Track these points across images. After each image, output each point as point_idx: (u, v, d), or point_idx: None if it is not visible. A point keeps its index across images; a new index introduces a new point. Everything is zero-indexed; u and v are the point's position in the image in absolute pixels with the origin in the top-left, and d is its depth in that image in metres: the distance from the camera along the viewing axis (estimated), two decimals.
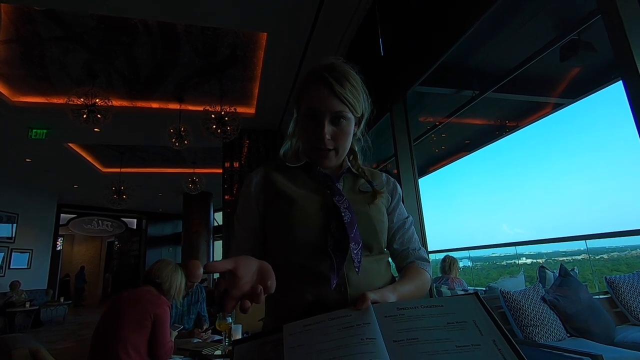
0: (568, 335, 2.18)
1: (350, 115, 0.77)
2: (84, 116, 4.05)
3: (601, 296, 2.60)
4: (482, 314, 0.58)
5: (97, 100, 4.10)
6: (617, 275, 2.60)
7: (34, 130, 5.51)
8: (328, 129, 0.75)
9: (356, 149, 0.88)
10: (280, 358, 0.56)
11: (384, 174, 0.90)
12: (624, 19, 1.43)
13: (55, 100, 4.88)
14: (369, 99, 0.84)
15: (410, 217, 0.89)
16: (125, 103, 5.09)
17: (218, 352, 2.05)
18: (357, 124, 0.83)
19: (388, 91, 2.81)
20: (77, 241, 15.18)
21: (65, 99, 4.16)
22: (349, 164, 0.85)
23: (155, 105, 5.24)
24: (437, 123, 4.56)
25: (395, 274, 0.85)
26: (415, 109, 4.03)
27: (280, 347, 0.57)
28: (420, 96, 3.67)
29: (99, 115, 4.12)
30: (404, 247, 0.85)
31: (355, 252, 0.69)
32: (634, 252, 5.72)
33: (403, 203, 0.90)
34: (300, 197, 0.75)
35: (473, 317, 0.58)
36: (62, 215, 11.16)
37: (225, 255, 6.23)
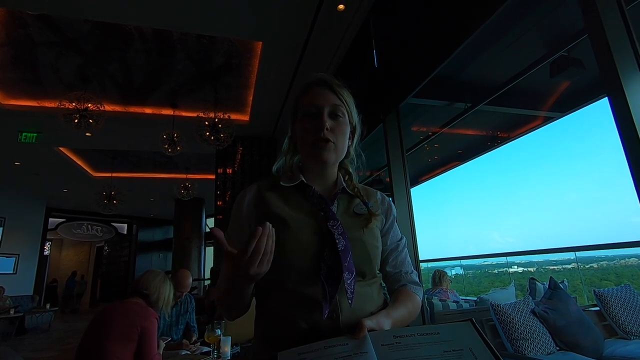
0: (557, 348, 2.19)
1: (346, 115, 0.81)
2: (76, 121, 4.01)
3: (590, 309, 2.62)
4: (478, 341, 0.59)
5: (90, 105, 4.07)
6: (606, 289, 2.62)
7: (24, 134, 5.44)
8: (327, 120, 0.77)
9: (350, 170, 0.89)
10: None
11: (378, 193, 0.90)
12: (609, 40, 1.47)
13: (46, 104, 4.83)
14: (359, 116, 0.85)
15: (404, 238, 0.89)
16: (118, 108, 5.06)
17: None
18: (351, 136, 0.84)
19: (381, 102, 2.83)
20: (65, 246, 14.91)
21: (57, 103, 4.12)
22: (344, 184, 0.84)
23: (148, 110, 5.22)
24: (430, 133, 4.60)
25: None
26: (408, 119, 4.06)
27: None
28: (413, 107, 3.71)
29: (90, 120, 4.08)
30: (397, 270, 0.84)
31: (348, 282, 0.68)
32: (622, 261, 5.81)
33: (397, 223, 0.89)
34: (293, 220, 0.74)
35: (469, 344, 0.58)
36: (50, 219, 10.97)
37: (217, 266, 6.17)
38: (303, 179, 0.81)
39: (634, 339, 2.33)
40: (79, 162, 7.39)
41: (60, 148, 6.49)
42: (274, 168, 0.88)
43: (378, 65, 2.94)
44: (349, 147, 0.85)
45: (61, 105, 4.01)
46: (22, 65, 4.11)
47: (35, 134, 5.43)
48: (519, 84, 3.10)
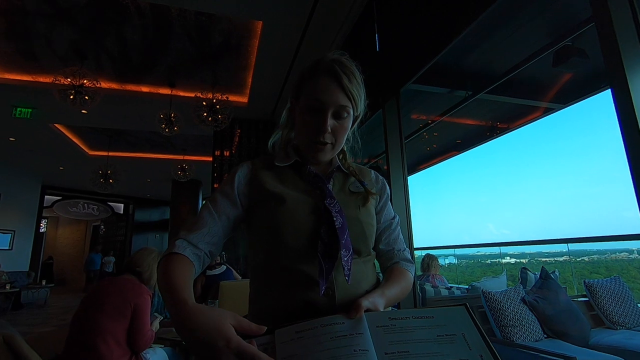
0: (545, 336, 2.23)
1: (351, 111, 0.77)
2: (71, 97, 3.95)
3: (579, 299, 2.67)
4: (471, 327, 0.59)
5: (85, 81, 3.99)
6: (596, 280, 2.66)
7: (18, 109, 5.36)
8: (330, 122, 0.74)
9: (345, 149, 0.88)
10: None
11: (372, 172, 0.89)
12: (616, 29, 1.45)
13: (41, 79, 4.74)
14: (366, 100, 0.83)
15: (397, 216, 0.89)
16: (114, 85, 4.98)
17: None
18: (352, 124, 0.82)
19: (382, 87, 2.79)
20: (61, 224, 14.93)
21: (52, 78, 4.04)
22: (339, 162, 0.84)
23: (145, 89, 5.14)
24: (429, 121, 4.58)
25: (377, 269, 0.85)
26: (408, 106, 4.03)
27: (271, 353, 0.56)
28: (414, 94, 3.67)
29: (86, 97, 4.02)
30: (390, 248, 0.85)
31: (345, 259, 0.68)
32: (613, 255, 5.91)
33: (391, 202, 0.89)
34: (290, 198, 0.73)
35: (462, 330, 0.59)
36: (46, 197, 10.93)
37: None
38: (298, 158, 0.80)
39: (620, 329, 2.38)
40: (75, 140, 7.32)
41: (56, 125, 6.41)
42: (270, 142, 0.87)
43: (380, 48, 2.89)
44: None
45: (56, 80, 3.93)
46: (16, 37, 4.01)
47: (30, 110, 5.35)
48: (521, 73, 3.07)
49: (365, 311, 0.62)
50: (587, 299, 2.61)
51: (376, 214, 0.83)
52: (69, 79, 3.95)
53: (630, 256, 5.65)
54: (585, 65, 2.89)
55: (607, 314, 2.46)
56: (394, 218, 0.88)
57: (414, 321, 0.60)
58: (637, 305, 2.52)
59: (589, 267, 5.83)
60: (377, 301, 0.66)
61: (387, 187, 0.89)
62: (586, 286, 2.63)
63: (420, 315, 0.61)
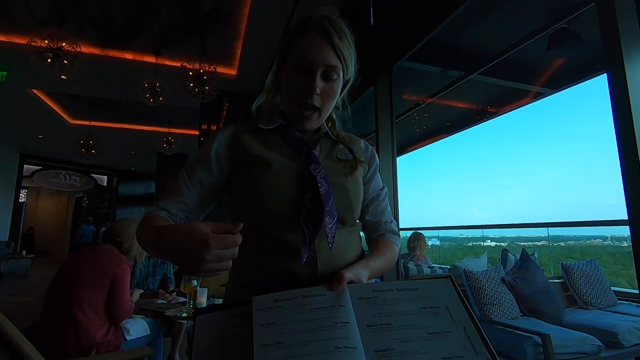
0: (521, 314, 2.30)
1: (341, 74, 0.72)
2: (49, 60, 3.74)
3: (555, 280, 2.75)
4: (455, 299, 0.58)
5: (64, 44, 3.78)
6: (573, 262, 2.74)
7: None
8: (319, 83, 0.69)
9: (334, 116, 0.84)
10: (249, 335, 0.53)
11: (362, 141, 0.86)
12: (617, 14, 1.42)
13: (16, 40, 4.48)
14: (357, 65, 0.77)
15: (386, 188, 0.86)
16: (95, 51, 4.74)
17: (184, 314, 2.03)
18: (342, 90, 0.77)
19: (374, 63, 2.73)
20: (42, 195, 14.58)
21: (28, 40, 3.81)
22: (327, 129, 0.80)
23: (129, 56, 4.92)
24: (420, 102, 4.53)
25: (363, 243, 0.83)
26: (400, 85, 3.97)
27: (249, 322, 0.54)
28: (406, 72, 3.61)
29: (65, 61, 3.82)
30: (376, 219, 0.83)
31: (329, 226, 0.65)
32: (588, 242, 6.16)
33: (379, 173, 0.86)
34: (274, 162, 0.70)
35: (446, 302, 0.58)
36: (25, 166, 10.59)
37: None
38: (283, 121, 0.76)
39: (592, 309, 2.47)
40: (55, 108, 7.02)
41: (34, 90, 6.12)
42: (254, 106, 0.82)
43: (374, 22, 2.80)
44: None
45: (32, 42, 3.71)
46: None
47: (4, 72, 5.07)
48: (514, 56, 3.04)
49: (348, 283, 0.60)
50: (562, 280, 2.70)
51: (364, 184, 0.81)
52: (46, 41, 3.72)
53: (604, 242, 5.88)
54: (578, 50, 2.88)
55: (581, 294, 2.55)
56: (382, 189, 0.85)
57: (397, 293, 0.59)
58: (609, 288, 2.62)
59: (564, 251, 6.05)
60: (361, 273, 0.65)
61: (377, 158, 0.85)
62: (563, 268, 2.70)
63: (404, 288, 0.60)
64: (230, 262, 0.52)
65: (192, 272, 0.51)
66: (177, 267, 3.14)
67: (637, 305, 2.43)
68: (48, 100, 6.67)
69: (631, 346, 1.99)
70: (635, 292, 2.74)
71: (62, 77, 5.03)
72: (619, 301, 2.57)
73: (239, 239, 0.52)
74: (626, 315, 2.29)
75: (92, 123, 7.40)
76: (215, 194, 0.75)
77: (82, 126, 7.59)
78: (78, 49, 3.92)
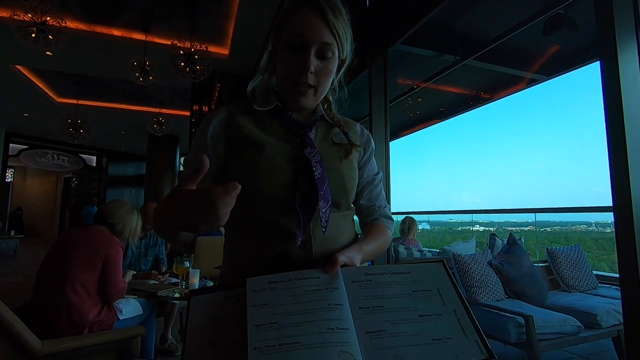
0: (506, 296, 2.38)
1: (336, 52, 0.70)
2: (33, 35, 3.60)
3: (540, 264, 2.83)
4: (447, 283, 0.60)
5: (48, 18, 3.63)
6: (558, 247, 2.82)
7: None
8: (313, 61, 0.68)
9: (331, 99, 0.83)
10: (243, 315, 0.53)
11: (358, 125, 0.85)
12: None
13: None
14: (353, 45, 0.76)
15: (380, 172, 0.87)
16: (82, 26, 4.58)
17: (177, 295, 2.05)
18: (337, 70, 0.76)
19: (369, 45, 2.69)
20: (29, 174, 14.30)
21: (10, 13, 3.65)
22: (323, 112, 0.79)
23: (117, 32, 4.76)
24: (414, 86, 4.51)
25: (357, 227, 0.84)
26: (395, 69, 3.93)
27: (243, 303, 0.55)
28: (401, 56, 3.57)
29: (50, 37, 3.68)
30: (371, 204, 0.83)
31: (323, 210, 0.66)
32: (573, 227, 6.35)
33: (374, 157, 0.86)
34: (268, 145, 0.70)
35: (437, 285, 0.59)
36: (11, 145, 10.35)
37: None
38: (279, 103, 0.75)
39: (574, 292, 2.57)
40: (40, 85, 6.82)
41: (18, 66, 5.92)
42: (249, 87, 0.81)
43: (370, 3, 2.75)
44: (332, 79, 0.78)
45: (14, 15, 3.56)
46: None
47: None
48: (510, 41, 3.02)
49: (341, 266, 0.61)
50: (547, 264, 2.78)
51: (359, 168, 0.81)
52: (29, 15, 3.57)
53: (589, 228, 6.06)
54: (574, 37, 2.87)
55: (564, 278, 2.64)
56: (377, 174, 0.85)
57: (390, 277, 0.60)
58: (591, 272, 2.71)
59: (550, 237, 6.22)
60: (354, 256, 0.66)
61: (372, 142, 0.85)
62: (548, 252, 2.78)
63: (396, 271, 0.61)
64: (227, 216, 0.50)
65: (203, 217, 0.49)
66: (169, 246, 3.14)
67: (617, 289, 2.52)
68: (33, 77, 6.46)
69: (609, 327, 2.09)
70: (615, 275, 2.84)
71: (47, 53, 4.86)
72: (599, 284, 2.66)
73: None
74: (606, 297, 2.38)
75: (80, 102, 7.21)
76: (221, 178, 0.74)
77: (69, 105, 7.40)
78: (63, 24, 3.77)
